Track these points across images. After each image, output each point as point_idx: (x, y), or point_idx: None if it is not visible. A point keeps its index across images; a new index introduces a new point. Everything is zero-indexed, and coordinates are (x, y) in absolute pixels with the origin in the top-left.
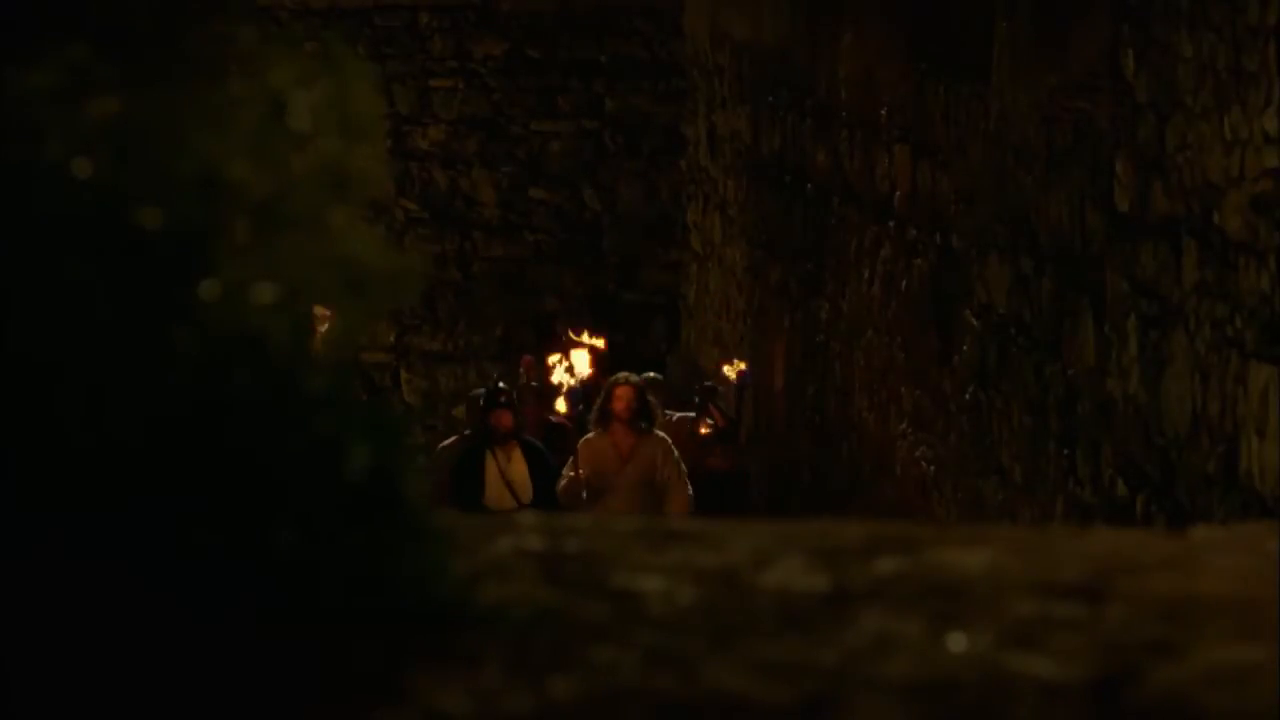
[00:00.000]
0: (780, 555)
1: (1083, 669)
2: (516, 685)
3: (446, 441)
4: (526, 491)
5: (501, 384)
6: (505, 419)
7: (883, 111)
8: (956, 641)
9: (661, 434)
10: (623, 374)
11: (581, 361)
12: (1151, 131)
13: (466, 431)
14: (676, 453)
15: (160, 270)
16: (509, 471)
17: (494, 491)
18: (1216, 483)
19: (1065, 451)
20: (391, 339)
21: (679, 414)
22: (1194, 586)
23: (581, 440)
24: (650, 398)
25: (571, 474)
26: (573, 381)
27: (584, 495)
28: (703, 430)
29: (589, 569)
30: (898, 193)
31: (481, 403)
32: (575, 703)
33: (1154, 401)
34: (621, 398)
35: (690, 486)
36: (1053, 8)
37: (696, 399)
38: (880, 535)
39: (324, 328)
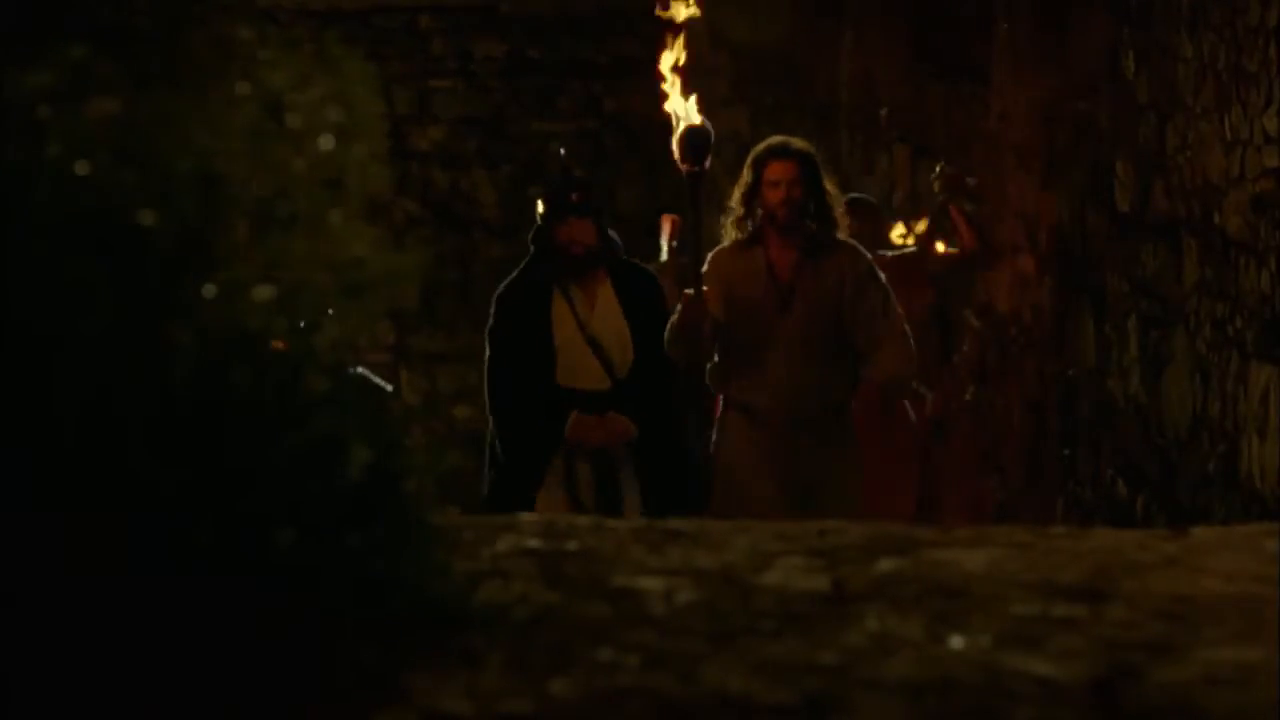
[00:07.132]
0: (780, 555)
1: (1083, 669)
2: (516, 685)
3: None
4: (623, 354)
5: (576, 171)
6: (582, 231)
7: (883, 111)
8: (956, 641)
9: (852, 242)
10: (778, 138)
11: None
12: (1152, 131)
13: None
14: (883, 276)
15: (160, 270)
16: (592, 323)
17: (568, 357)
18: (1216, 483)
19: (1065, 451)
20: (391, 339)
21: (892, 251)
22: (1194, 586)
23: (712, 253)
24: (830, 185)
25: (692, 293)
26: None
27: (712, 339)
28: (941, 250)
29: (589, 569)
30: (898, 193)
31: (542, 207)
32: (575, 703)
33: (1154, 401)
34: (779, 179)
35: (911, 340)
36: (1053, 8)
37: (938, 194)
38: (880, 535)
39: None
